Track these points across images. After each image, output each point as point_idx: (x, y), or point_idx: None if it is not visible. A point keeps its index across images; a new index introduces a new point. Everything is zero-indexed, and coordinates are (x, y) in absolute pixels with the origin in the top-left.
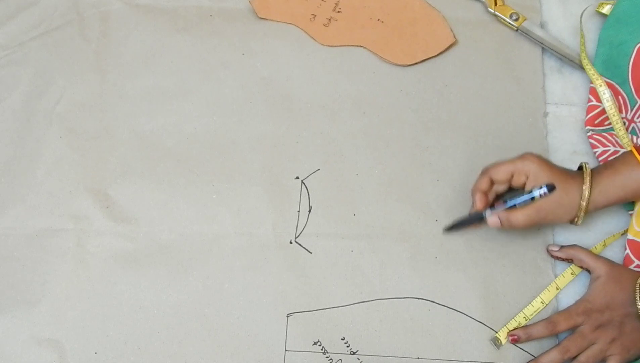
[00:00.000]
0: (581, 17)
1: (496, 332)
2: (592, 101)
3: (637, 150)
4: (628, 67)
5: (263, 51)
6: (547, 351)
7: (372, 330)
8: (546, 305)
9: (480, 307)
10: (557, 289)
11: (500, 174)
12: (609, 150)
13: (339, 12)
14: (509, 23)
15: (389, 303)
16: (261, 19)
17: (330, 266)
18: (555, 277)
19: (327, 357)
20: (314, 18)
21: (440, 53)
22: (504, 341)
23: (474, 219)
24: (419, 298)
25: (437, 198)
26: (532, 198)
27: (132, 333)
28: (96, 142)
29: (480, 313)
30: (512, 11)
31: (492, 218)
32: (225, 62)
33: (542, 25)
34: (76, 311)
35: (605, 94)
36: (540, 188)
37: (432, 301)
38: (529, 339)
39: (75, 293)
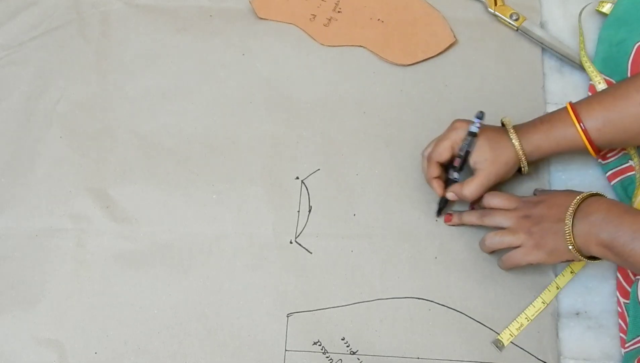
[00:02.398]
0: (580, 14)
1: (498, 334)
2: None
3: (572, 108)
4: (627, 66)
5: (263, 51)
6: (469, 211)
7: (372, 330)
8: (547, 304)
9: (480, 307)
10: (558, 288)
11: (444, 154)
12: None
13: (339, 12)
14: (509, 23)
15: (389, 303)
16: (261, 19)
17: (330, 266)
18: (556, 277)
19: (327, 357)
20: (314, 18)
21: (440, 53)
22: (506, 343)
23: (445, 203)
24: (419, 298)
25: (437, 198)
26: (472, 140)
27: (132, 333)
28: (96, 142)
29: (480, 314)
30: (512, 11)
31: (449, 194)
32: (225, 62)
33: (542, 25)
34: (76, 311)
35: (600, 84)
36: (474, 123)
37: (432, 301)
38: (461, 222)
39: (75, 293)
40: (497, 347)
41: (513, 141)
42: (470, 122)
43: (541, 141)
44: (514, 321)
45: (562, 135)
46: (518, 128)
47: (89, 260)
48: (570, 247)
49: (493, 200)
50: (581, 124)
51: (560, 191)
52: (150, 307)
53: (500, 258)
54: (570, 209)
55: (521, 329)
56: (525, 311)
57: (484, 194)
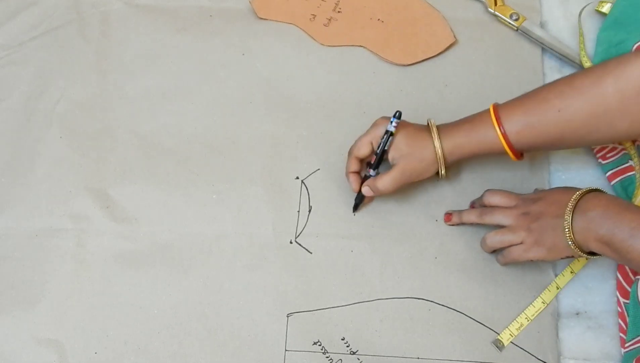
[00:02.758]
0: (580, 14)
1: (498, 334)
2: None
3: (494, 110)
4: None
5: (263, 51)
6: (469, 210)
7: (372, 330)
8: (547, 304)
9: (480, 307)
10: (558, 288)
11: (363, 149)
12: (607, 146)
13: (339, 12)
14: (509, 23)
15: (389, 303)
16: (261, 19)
17: (330, 266)
18: (556, 277)
19: (327, 357)
20: (314, 18)
21: (440, 53)
22: (506, 343)
23: (361, 199)
24: (419, 298)
25: (437, 198)
26: (389, 140)
27: (132, 333)
28: (96, 142)
29: (480, 314)
30: (512, 11)
31: (364, 189)
32: (225, 62)
33: (542, 25)
34: (76, 311)
35: None
36: (391, 123)
37: (432, 301)
38: (460, 221)
39: (75, 293)
40: (497, 347)
41: (434, 138)
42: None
43: (462, 140)
44: (514, 321)
45: (482, 136)
46: (441, 127)
47: (89, 260)
48: (569, 243)
49: (493, 198)
50: (501, 127)
51: (559, 188)
52: (150, 307)
53: (500, 254)
54: (570, 205)
55: (521, 329)
56: (525, 311)
57: (485, 192)
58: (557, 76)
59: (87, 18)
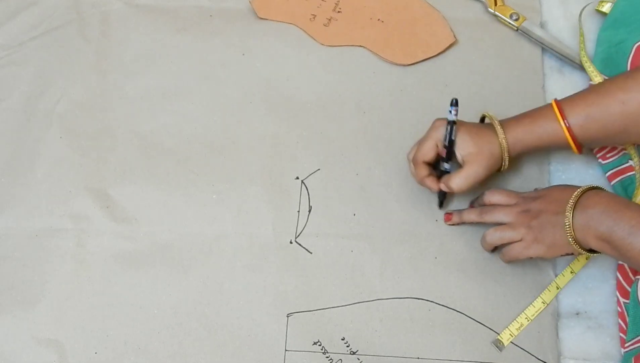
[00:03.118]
0: (580, 14)
1: (498, 334)
2: None
3: (557, 104)
4: (627, 66)
5: (263, 51)
6: (468, 209)
7: (372, 330)
8: (547, 304)
9: (480, 307)
10: (558, 288)
11: (429, 154)
12: (607, 146)
13: (339, 12)
14: (509, 23)
15: (389, 303)
16: (261, 19)
17: (330, 266)
18: (555, 276)
19: (327, 357)
20: (314, 18)
21: (440, 53)
22: (506, 343)
23: (443, 195)
24: (419, 298)
25: (436, 196)
26: (453, 128)
27: (132, 333)
28: (96, 142)
29: (481, 314)
30: (512, 11)
31: (442, 186)
32: (225, 62)
33: (542, 25)
34: (76, 311)
35: None
36: (450, 112)
37: (432, 302)
38: (461, 221)
39: (75, 293)
40: (497, 347)
41: (498, 132)
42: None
43: (524, 134)
44: (514, 321)
45: (545, 130)
46: (502, 122)
47: (89, 260)
48: (569, 240)
49: (493, 197)
50: (565, 121)
51: (559, 185)
52: (150, 307)
53: (500, 251)
54: (571, 202)
55: (521, 329)
56: (525, 311)
57: (485, 191)
58: (557, 76)
59: (87, 18)
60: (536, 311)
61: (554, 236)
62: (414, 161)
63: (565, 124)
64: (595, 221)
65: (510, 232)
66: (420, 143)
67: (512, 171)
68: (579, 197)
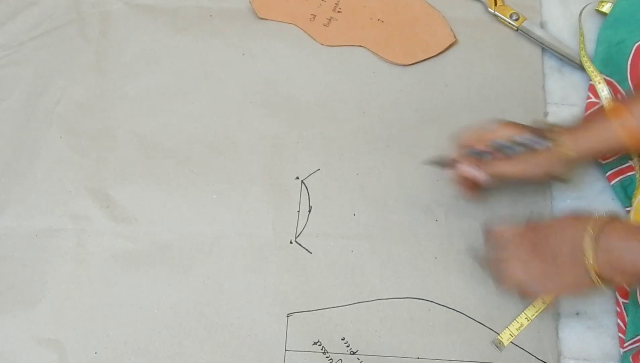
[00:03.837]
0: (580, 14)
1: (498, 334)
2: (590, 98)
3: (613, 109)
4: (627, 66)
5: (263, 51)
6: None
7: (372, 330)
8: (547, 304)
9: (480, 307)
10: None
11: (480, 143)
12: None
13: (339, 12)
14: (509, 23)
15: (389, 303)
16: (261, 19)
17: (330, 266)
18: None
19: (327, 357)
20: (314, 18)
21: (440, 53)
22: (506, 343)
23: (446, 164)
24: (419, 298)
25: (437, 198)
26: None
27: (132, 333)
28: (96, 142)
29: (481, 314)
30: (512, 11)
31: (480, 174)
32: (225, 62)
33: (542, 25)
34: (76, 311)
35: (603, 91)
36: (537, 142)
37: (432, 302)
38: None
39: (75, 293)
40: (497, 347)
41: (561, 143)
42: (513, 123)
43: (580, 141)
44: (514, 321)
45: (600, 135)
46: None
47: (89, 260)
48: (593, 280)
49: (501, 232)
50: (626, 122)
51: (568, 217)
52: (150, 307)
53: (520, 293)
54: (588, 242)
55: (521, 329)
56: (525, 311)
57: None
58: (557, 76)
59: (87, 18)
60: (536, 311)
61: (573, 275)
62: (459, 146)
63: (628, 125)
64: (621, 259)
65: (526, 276)
66: (477, 131)
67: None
68: (597, 236)
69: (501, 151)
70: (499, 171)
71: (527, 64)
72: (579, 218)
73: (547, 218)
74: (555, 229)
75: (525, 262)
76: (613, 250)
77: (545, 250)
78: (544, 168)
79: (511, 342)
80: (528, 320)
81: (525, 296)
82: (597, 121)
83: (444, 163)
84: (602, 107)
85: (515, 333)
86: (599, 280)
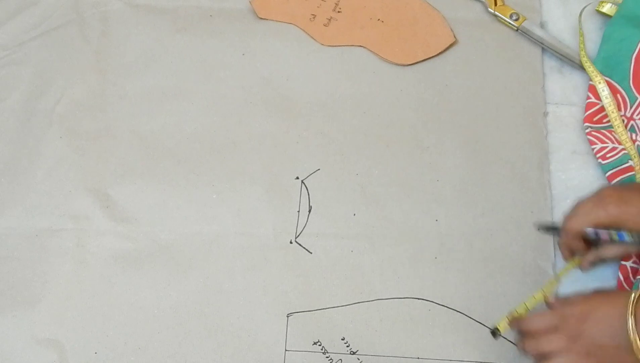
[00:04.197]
0: (580, 14)
1: (497, 324)
2: (591, 98)
3: None
4: (630, 63)
5: (263, 51)
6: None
7: (372, 330)
8: (546, 295)
9: (480, 307)
10: (558, 280)
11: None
12: (607, 147)
13: (339, 12)
14: (509, 23)
15: (389, 303)
16: (261, 19)
17: (330, 266)
18: (555, 275)
19: (327, 357)
20: (314, 18)
21: (440, 53)
22: (503, 330)
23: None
24: (419, 298)
25: (437, 198)
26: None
27: (132, 333)
28: (96, 142)
29: (480, 313)
30: (512, 11)
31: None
32: (225, 62)
33: (542, 25)
34: (76, 311)
35: (604, 91)
36: (623, 239)
37: (432, 302)
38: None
39: (75, 293)
40: (493, 335)
41: None
42: (621, 197)
43: None
44: (514, 310)
45: None
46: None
47: (89, 260)
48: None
49: (532, 324)
50: None
51: (595, 294)
52: (150, 307)
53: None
54: (631, 324)
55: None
56: (525, 302)
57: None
58: (557, 76)
59: (87, 18)
60: (536, 302)
61: (615, 358)
62: (566, 230)
63: None
64: None
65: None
66: (579, 216)
67: (512, 171)
68: (634, 315)
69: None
70: (607, 254)
71: (527, 64)
72: (608, 296)
73: (571, 297)
74: (586, 312)
75: (572, 359)
76: None
77: (587, 341)
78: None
79: (511, 341)
80: (526, 310)
81: None
82: None
83: (554, 232)
84: None
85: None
86: None
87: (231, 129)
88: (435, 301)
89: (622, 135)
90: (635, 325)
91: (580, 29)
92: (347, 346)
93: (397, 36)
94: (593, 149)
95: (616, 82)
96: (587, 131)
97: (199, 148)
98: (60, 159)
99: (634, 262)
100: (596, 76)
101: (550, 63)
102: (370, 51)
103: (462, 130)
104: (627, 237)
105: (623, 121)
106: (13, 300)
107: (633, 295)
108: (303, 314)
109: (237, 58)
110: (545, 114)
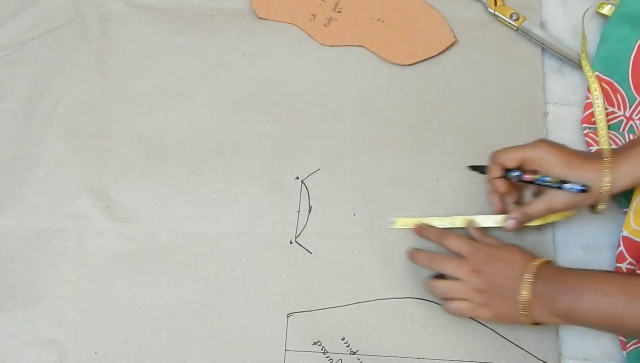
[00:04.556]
0: (583, 16)
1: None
2: (589, 99)
3: None
4: (629, 63)
5: (263, 51)
6: (418, 251)
7: (372, 330)
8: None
9: None
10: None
11: (511, 162)
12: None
13: (339, 12)
14: (509, 23)
15: (389, 303)
16: (261, 19)
17: (330, 266)
18: None
19: (327, 357)
20: (314, 18)
21: (440, 53)
22: (399, 225)
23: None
24: (419, 298)
25: (437, 198)
26: (554, 187)
27: (132, 333)
28: (96, 142)
29: None
30: (512, 11)
31: (509, 222)
32: (225, 62)
33: (542, 25)
34: (76, 311)
35: (596, 90)
36: (575, 188)
37: (432, 302)
38: (421, 234)
39: (75, 293)
40: (473, 169)
41: (603, 171)
42: (554, 145)
43: (633, 169)
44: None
45: None
46: (597, 159)
47: (89, 260)
48: (522, 315)
49: (448, 241)
50: None
51: (516, 246)
52: (150, 307)
53: (444, 302)
54: (527, 278)
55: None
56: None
57: (441, 231)
58: (557, 76)
59: (87, 18)
60: (455, 224)
61: (504, 307)
62: (493, 156)
63: None
64: (553, 300)
65: (458, 289)
66: (511, 148)
67: None
68: (536, 273)
69: (536, 183)
70: (532, 212)
71: (527, 64)
72: (524, 252)
73: (492, 237)
74: (502, 256)
75: (459, 283)
76: (547, 292)
77: (484, 275)
78: (576, 204)
79: (511, 342)
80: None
81: (448, 311)
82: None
83: (484, 171)
84: None
85: (410, 224)
86: (528, 316)
87: (231, 129)
88: (435, 301)
89: (602, 137)
90: (531, 282)
91: (583, 31)
92: (347, 346)
93: (397, 36)
94: (590, 150)
95: (616, 82)
96: (585, 131)
97: (199, 148)
98: (60, 159)
99: (629, 264)
100: (593, 83)
101: (550, 63)
102: (370, 51)
103: (462, 130)
104: (549, 180)
105: (622, 121)
106: (13, 300)
107: (541, 261)
108: (303, 314)
109: (237, 58)
110: (545, 114)
